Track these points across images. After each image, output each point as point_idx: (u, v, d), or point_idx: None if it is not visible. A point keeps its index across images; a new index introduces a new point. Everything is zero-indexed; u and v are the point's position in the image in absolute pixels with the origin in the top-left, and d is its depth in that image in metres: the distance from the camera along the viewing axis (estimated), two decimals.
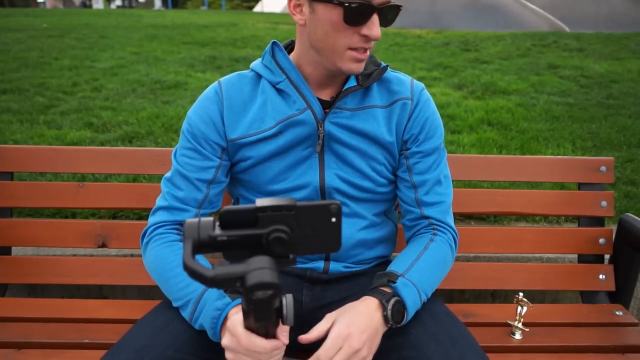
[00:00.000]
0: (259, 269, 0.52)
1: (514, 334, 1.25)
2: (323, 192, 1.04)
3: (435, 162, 1.09)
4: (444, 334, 0.93)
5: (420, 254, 1.02)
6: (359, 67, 0.97)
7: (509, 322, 1.27)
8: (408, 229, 1.12)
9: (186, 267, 0.54)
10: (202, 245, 0.57)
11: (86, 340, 1.18)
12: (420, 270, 0.99)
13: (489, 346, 1.21)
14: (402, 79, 1.10)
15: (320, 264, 1.07)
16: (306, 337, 0.87)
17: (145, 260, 1.02)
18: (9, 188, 1.39)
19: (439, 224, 1.08)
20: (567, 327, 1.31)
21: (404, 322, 0.94)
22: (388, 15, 0.94)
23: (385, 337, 0.93)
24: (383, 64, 1.08)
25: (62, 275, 1.38)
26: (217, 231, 0.57)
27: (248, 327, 0.70)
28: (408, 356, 0.89)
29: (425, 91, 1.10)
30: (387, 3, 0.93)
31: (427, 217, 1.08)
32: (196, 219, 0.58)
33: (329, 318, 0.89)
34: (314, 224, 0.59)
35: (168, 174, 1.05)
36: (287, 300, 0.65)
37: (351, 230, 1.07)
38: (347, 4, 0.89)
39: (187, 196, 1.02)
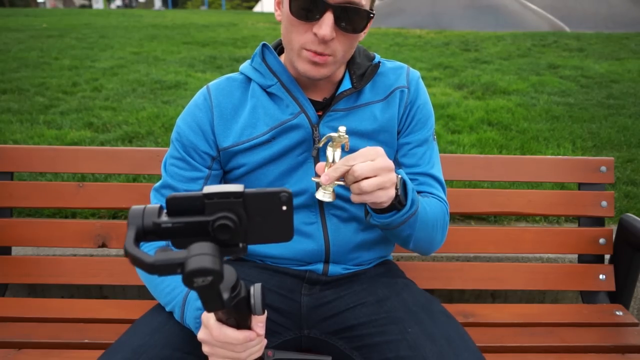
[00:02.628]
0: (199, 254, 0.50)
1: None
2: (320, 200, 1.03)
3: (426, 155, 1.06)
4: (440, 334, 0.93)
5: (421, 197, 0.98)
6: (315, 72, 0.92)
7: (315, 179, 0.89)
8: None
9: (127, 254, 0.52)
10: (146, 232, 0.55)
11: (86, 340, 1.18)
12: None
13: (488, 346, 1.21)
14: (398, 68, 1.07)
15: (320, 267, 1.06)
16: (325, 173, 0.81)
17: (136, 268, 1.02)
18: (9, 188, 1.39)
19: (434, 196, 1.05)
20: (567, 327, 1.31)
21: (402, 211, 0.88)
22: (348, 17, 0.87)
23: (382, 335, 0.93)
24: (377, 57, 1.06)
25: (62, 275, 1.38)
26: (163, 218, 0.55)
27: (219, 319, 0.70)
28: (404, 356, 0.89)
29: (421, 80, 1.09)
30: (347, 3, 0.86)
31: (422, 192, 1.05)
32: (142, 206, 0.57)
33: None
34: (264, 212, 0.57)
35: (157, 184, 1.05)
36: (255, 289, 0.64)
37: (350, 234, 1.06)
38: None
39: None
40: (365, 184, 0.78)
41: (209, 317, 0.74)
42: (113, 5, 39.94)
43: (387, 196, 0.82)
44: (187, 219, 0.55)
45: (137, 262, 0.51)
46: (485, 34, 8.48)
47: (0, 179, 1.39)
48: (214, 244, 0.53)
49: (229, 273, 0.62)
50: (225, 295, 0.59)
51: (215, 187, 0.55)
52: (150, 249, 0.98)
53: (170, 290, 0.92)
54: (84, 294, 1.75)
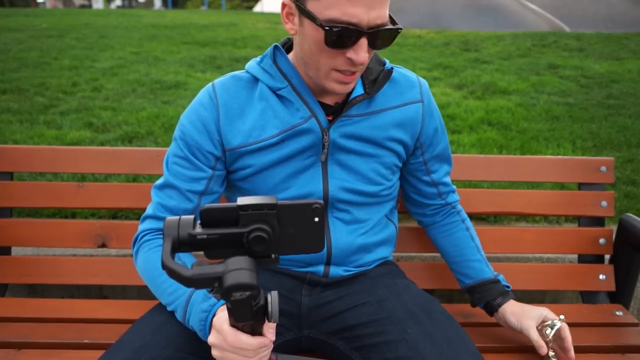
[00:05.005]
0: (237, 269, 0.52)
1: None
2: (326, 202, 1.02)
3: (445, 151, 1.17)
4: (440, 334, 0.93)
5: (473, 238, 1.20)
6: (344, 89, 0.93)
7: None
8: (430, 216, 1.23)
9: (164, 267, 0.53)
10: (181, 244, 0.56)
11: (86, 340, 1.18)
12: (480, 249, 1.20)
13: (488, 347, 1.21)
14: (410, 79, 1.08)
15: (320, 268, 1.06)
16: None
17: (137, 267, 1.02)
18: (9, 188, 1.39)
19: (455, 203, 1.22)
20: (567, 327, 1.30)
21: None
22: (380, 38, 0.88)
23: (382, 335, 0.93)
24: (388, 63, 1.05)
25: (62, 275, 1.38)
26: (197, 229, 0.56)
27: (234, 325, 0.70)
28: (404, 356, 0.89)
29: (429, 88, 1.12)
30: (380, 27, 0.86)
31: (448, 204, 1.21)
32: (177, 217, 0.58)
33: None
34: (296, 224, 0.58)
35: (159, 182, 1.03)
36: (272, 297, 0.64)
37: (352, 237, 1.05)
38: (327, 28, 0.83)
39: (177, 207, 1.00)
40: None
41: (222, 322, 0.74)
42: (113, 5, 39.93)
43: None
44: (222, 230, 0.56)
45: (175, 275, 0.52)
46: (485, 34, 8.48)
47: (0, 179, 1.39)
48: (250, 258, 0.54)
49: None
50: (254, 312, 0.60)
51: (249, 199, 0.56)
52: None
53: (172, 291, 0.92)
54: (84, 294, 1.75)
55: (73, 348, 1.17)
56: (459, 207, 1.23)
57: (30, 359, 1.13)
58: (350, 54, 0.86)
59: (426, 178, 1.16)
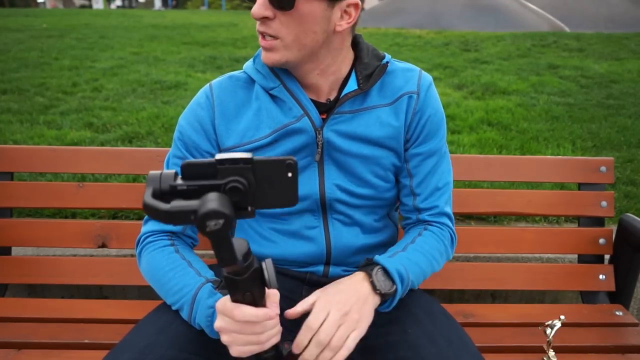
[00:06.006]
0: (211, 201, 0.55)
1: None
2: (324, 203, 1.01)
3: (436, 166, 1.04)
4: (440, 334, 0.92)
5: (406, 247, 1.00)
6: (265, 57, 0.93)
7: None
8: (405, 231, 1.11)
9: (145, 206, 0.56)
10: (163, 193, 0.60)
11: (86, 340, 1.18)
12: (403, 257, 0.96)
13: (488, 346, 1.21)
14: (409, 71, 1.03)
15: (320, 268, 1.06)
16: (292, 311, 0.87)
17: (140, 268, 1.02)
18: (9, 188, 1.39)
19: (434, 222, 1.05)
20: (567, 327, 1.30)
21: (397, 296, 0.92)
22: None
23: (382, 335, 0.93)
24: (387, 56, 1.02)
25: (62, 275, 1.38)
26: (178, 181, 0.60)
27: (236, 300, 0.72)
28: (404, 356, 0.89)
29: (433, 86, 1.04)
30: None
31: (423, 221, 1.06)
32: (159, 171, 0.62)
33: (315, 292, 0.90)
34: (271, 178, 0.62)
35: None
36: (267, 263, 0.69)
37: (351, 238, 1.05)
38: None
39: None
40: (334, 344, 0.82)
41: (225, 301, 0.75)
42: (113, 6, 39.95)
43: (361, 331, 0.85)
44: (201, 182, 0.60)
45: (155, 211, 0.57)
46: (485, 34, 8.48)
47: (0, 179, 1.39)
48: (224, 195, 0.58)
49: (241, 242, 0.66)
50: (239, 257, 0.63)
51: (226, 154, 0.61)
52: (156, 247, 0.98)
53: (178, 290, 0.92)
54: (84, 294, 1.75)
55: (73, 348, 1.17)
56: (439, 226, 1.05)
57: (30, 359, 1.13)
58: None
59: (406, 181, 1.04)
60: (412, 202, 1.05)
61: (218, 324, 0.76)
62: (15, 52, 6.16)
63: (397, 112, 1.00)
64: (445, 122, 1.07)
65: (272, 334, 0.76)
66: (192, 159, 0.60)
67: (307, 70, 0.96)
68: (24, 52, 6.16)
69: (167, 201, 0.58)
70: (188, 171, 0.60)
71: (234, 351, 0.77)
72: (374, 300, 0.89)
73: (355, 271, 1.08)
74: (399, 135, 1.01)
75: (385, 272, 0.92)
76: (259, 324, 0.73)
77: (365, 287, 0.89)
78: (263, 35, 0.91)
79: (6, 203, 1.39)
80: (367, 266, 0.94)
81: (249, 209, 0.61)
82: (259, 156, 0.62)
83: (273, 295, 0.75)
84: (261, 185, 0.62)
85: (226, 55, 6.16)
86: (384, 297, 0.91)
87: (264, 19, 0.89)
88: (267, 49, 0.91)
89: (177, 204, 0.55)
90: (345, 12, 0.92)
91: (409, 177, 1.04)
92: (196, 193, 0.59)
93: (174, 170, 0.61)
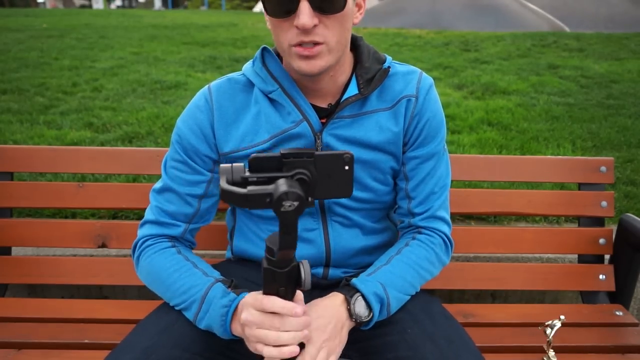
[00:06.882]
0: (287, 184, 0.61)
1: None
2: (323, 208, 1.01)
3: (433, 170, 1.02)
4: (440, 334, 0.92)
5: (391, 259, 0.99)
6: (309, 66, 0.87)
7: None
8: (399, 235, 1.10)
9: (223, 191, 0.63)
10: (235, 184, 0.65)
11: (86, 340, 1.18)
12: (386, 272, 0.96)
13: (488, 346, 1.21)
14: (410, 73, 1.01)
15: (320, 270, 1.06)
16: None
17: (139, 272, 1.01)
18: (9, 188, 1.39)
19: (425, 228, 1.04)
20: (567, 327, 1.30)
21: (373, 320, 0.92)
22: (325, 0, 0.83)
23: (381, 335, 0.93)
24: (388, 59, 1.01)
25: (62, 275, 1.38)
26: (248, 173, 0.67)
27: (267, 293, 0.76)
28: (404, 356, 0.89)
29: (433, 88, 1.01)
30: None
31: (415, 227, 1.05)
32: (229, 164, 0.68)
33: None
34: (330, 171, 0.70)
35: (157, 186, 1.01)
36: (304, 266, 0.74)
37: (351, 240, 1.04)
38: None
39: (177, 211, 1.00)
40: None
41: (255, 294, 0.78)
42: (113, 5, 39.95)
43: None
44: (270, 174, 0.67)
45: (232, 194, 0.62)
46: (485, 34, 8.48)
47: (0, 179, 1.39)
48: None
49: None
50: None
51: (290, 149, 0.69)
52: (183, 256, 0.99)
53: (185, 290, 0.92)
54: (84, 294, 1.75)
55: (73, 348, 1.17)
56: (429, 233, 1.03)
57: (30, 359, 1.13)
58: (295, 20, 0.83)
59: (402, 184, 1.03)
60: (407, 205, 1.04)
61: (244, 316, 0.79)
62: (15, 52, 6.16)
63: (397, 116, 0.99)
64: (445, 124, 1.05)
65: (292, 337, 0.77)
66: (259, 154, 0.67)
67: (328, 74, 0.94)
68: (24, 52, 6.15)
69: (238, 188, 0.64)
70: (255, 164, 0.67)
71: (252, 347, 0.80)
72: (349, 325, 0.91)
73: (355, 272, 1.09)
74: (398, 140, 1.00)
75: (364, 298, 0.92)
76: (284, 320, 0.76)
77: (342, 312, 0.90)
78: (301, 43, 0.85)
79: (6, 203, 1.39)
80: (348, 287, 0.94)
81: (310, 199, 0.68)
82: (319, 152, 0.69)
83: (299, 295, 0.78)
84: (321, 177, 0.69)
85: (226, 55, 6.16)
86: (359, 325, 0.92)
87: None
88: (312, 57, 0.86)
89: (254, 188, 0.61)
90: (358, 4, 0.93)
91: (405, 180, 1.03)
92: (265, 184, 0.65)
93: (242, 164, 0.68)
